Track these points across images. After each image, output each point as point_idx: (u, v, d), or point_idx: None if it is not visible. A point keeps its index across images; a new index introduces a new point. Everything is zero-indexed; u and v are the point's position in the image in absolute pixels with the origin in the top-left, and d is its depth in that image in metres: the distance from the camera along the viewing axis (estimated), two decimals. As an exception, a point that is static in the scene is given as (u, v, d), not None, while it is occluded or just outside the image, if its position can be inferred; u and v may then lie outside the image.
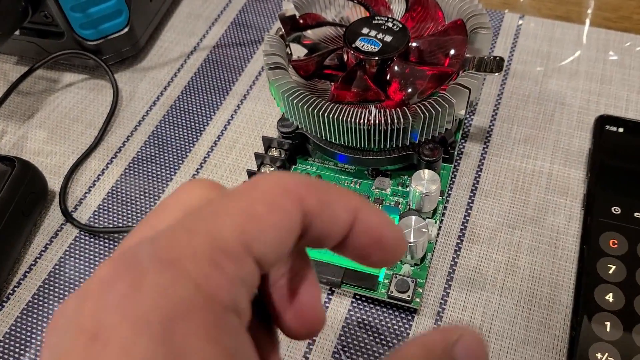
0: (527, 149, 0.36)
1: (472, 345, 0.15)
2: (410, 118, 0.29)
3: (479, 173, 0.35)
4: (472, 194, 0.34)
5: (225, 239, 0.13)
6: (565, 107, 0.37)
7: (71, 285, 0.32)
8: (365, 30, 0.32)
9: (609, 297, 0.29)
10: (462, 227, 0.33)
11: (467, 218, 0.33)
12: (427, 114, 0.29)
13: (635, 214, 0.31)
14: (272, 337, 0.17)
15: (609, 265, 0.30)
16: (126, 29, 0.41)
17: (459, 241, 0.32)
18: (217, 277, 0.12)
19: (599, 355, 0.27)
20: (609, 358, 0.27)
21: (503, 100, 0.38)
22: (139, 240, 0.13)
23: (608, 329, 0.28)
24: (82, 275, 0.32)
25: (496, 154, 0.36)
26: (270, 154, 0.34)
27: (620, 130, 0.35)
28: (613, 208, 0.31)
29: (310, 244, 0.15)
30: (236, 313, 0.13)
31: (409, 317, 0.30)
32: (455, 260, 0.31)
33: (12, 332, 0.31)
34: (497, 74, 0.30)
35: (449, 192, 0.34)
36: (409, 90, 0.31)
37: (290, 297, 0.16)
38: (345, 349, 0.29)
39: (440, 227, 0.32)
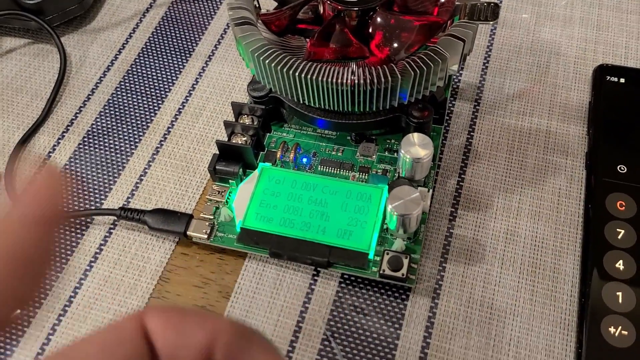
0: (522, 105, 0.33)
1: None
2: (399, 76, 0.25)
3: (471, 134, 0.32)
4: (464, 157, 0.31)
5: None
6: (561, 58, 0.34)
7: (24, 279, 0.28)
8: (342, -23, 0.28)
9: (619, 264, 0.26)
10: (456, 194, 0.30)
11: (460, 184, 0.30)
12: (418, 71, 0.25)
13: (644, 173, 0.29)
14: None
15: (617, 230, 0.27)
16: (70, -15, 0.36)
17: (453, 209, 0.29)
18: None
19: (612, 330, 0.25)
20: (622, 331, 0.25)
21: (493, 52, 0.35)
22: None
23: (620, 300, 0.25)
24: (35, 267, 0.29)
25: (488, 111, 0.33)
26: (241, 121, 0.30)
27: (622, 80, 0.32)
28: (619, 167, 0.29)
29: None
30: None
31: (404, 297, 0.27)
32: (451, 230, 0.29)
33: (-41, 336, 0.27)
34: (492, 22, 0.27)
35: (440, 156, 0.31)
36: (395, 44, 0.27)
37: None
38: (335, 334, 0.26)
39: (432, 195, 0.30)
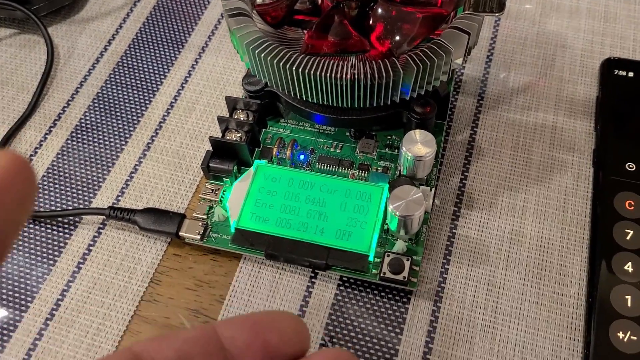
0: (527, 99, 0.32)
1: None
2: (402, 70, 0.24)
3: (475, 130, 0.31)
4: (467, 154, 0.30)
5: None
6: (567, 50, 0.33)
7: (10, 284, 0.27)
8: (342, -34, 0.27)
9: (628, 266, 0.25)
10: (459, 193, 0.29)
11: (463, 182, 0.29)
12: (421, 65, 0.24)
13: (654, 171, 0.28)
14: None
15: (626, 230, 0.26)
16: (57, -27, 0.35)
17: (456, 209, 0.28)
18: None
19: (620, 335, 0.24)
20: (631, 337, 0.24)
21: (497, 45, 0.34)
22: None
23: (629, 304, 0.25)
24: (23, 271, 0.28)
25: (492, 106, 0.32)
26: (236, 117, 0.29)
27: (630, 74, 0.31)
28: (627, 164, 0.28)
29: None
30: None
31: (405, 300, 0.26)
32: (453, 231, 0.28)
33: (-58, 341, 0.26)
34: (498, 14, 0.26)
35: (442, 152, 0.30)
36: (397, 37, 0.26)
37: None
38: (334, 339, 0.25)
39: (435, 194, 0.29)
